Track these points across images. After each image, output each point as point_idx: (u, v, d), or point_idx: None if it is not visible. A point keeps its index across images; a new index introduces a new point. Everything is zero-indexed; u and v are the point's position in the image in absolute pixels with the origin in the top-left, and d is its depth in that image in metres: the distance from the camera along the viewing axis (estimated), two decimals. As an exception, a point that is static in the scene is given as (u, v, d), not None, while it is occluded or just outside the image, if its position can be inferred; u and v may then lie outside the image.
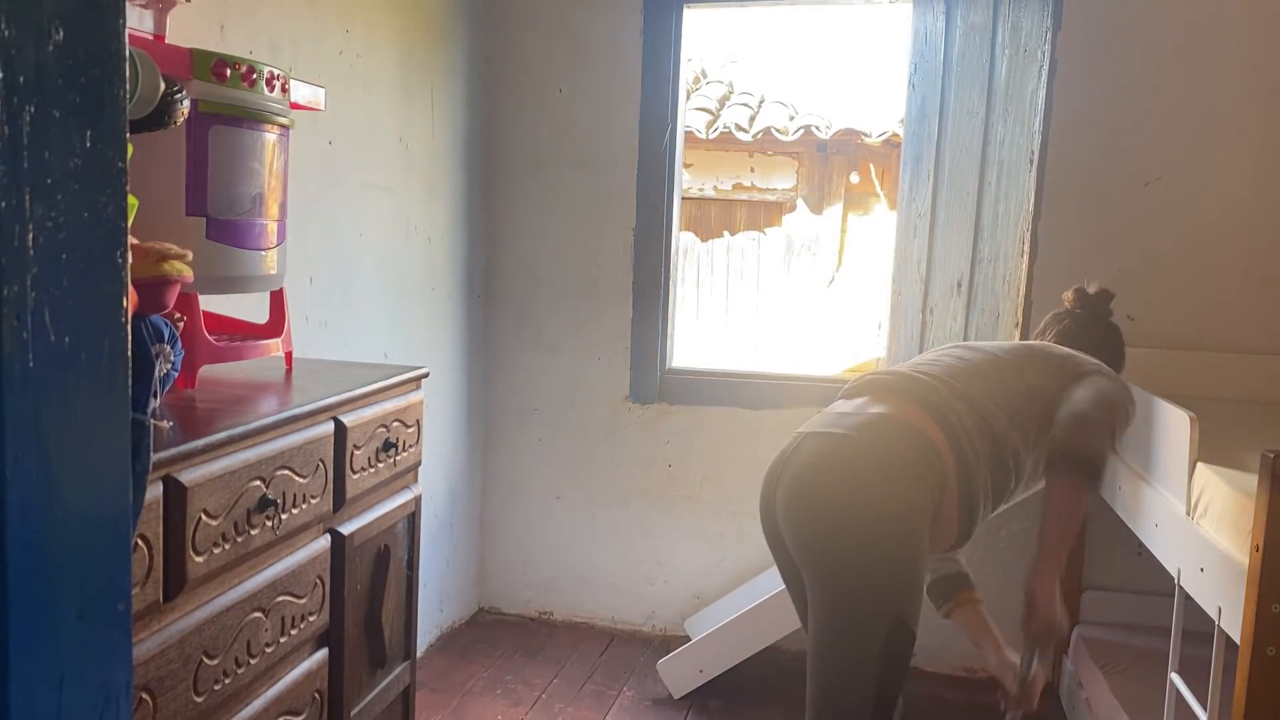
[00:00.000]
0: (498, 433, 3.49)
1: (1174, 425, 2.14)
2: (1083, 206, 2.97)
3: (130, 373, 0.69)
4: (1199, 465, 2.01)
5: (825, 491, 1.70)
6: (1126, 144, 2.93)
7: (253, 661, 1.47)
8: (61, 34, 0.60)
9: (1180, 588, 2.05)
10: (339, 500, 1.69)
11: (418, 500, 2.00)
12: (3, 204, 0.57)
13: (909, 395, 1.77)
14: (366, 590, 1.83)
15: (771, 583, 3.08)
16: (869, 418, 1.73)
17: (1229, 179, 2.90)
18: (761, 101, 6.37)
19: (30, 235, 0.59)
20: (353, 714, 1.78)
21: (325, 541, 1.67)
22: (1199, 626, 2.02)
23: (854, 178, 6.70)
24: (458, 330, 3.27)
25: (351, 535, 1.73)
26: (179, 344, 1.40)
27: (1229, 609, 1.76)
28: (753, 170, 6.79)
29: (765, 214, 6.94)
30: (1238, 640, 1.69)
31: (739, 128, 6.12)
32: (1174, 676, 2.10)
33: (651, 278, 3.31)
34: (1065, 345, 2.14)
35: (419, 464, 2.02)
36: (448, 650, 3.22)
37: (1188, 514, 2.03)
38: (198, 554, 1.32)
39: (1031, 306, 2.50)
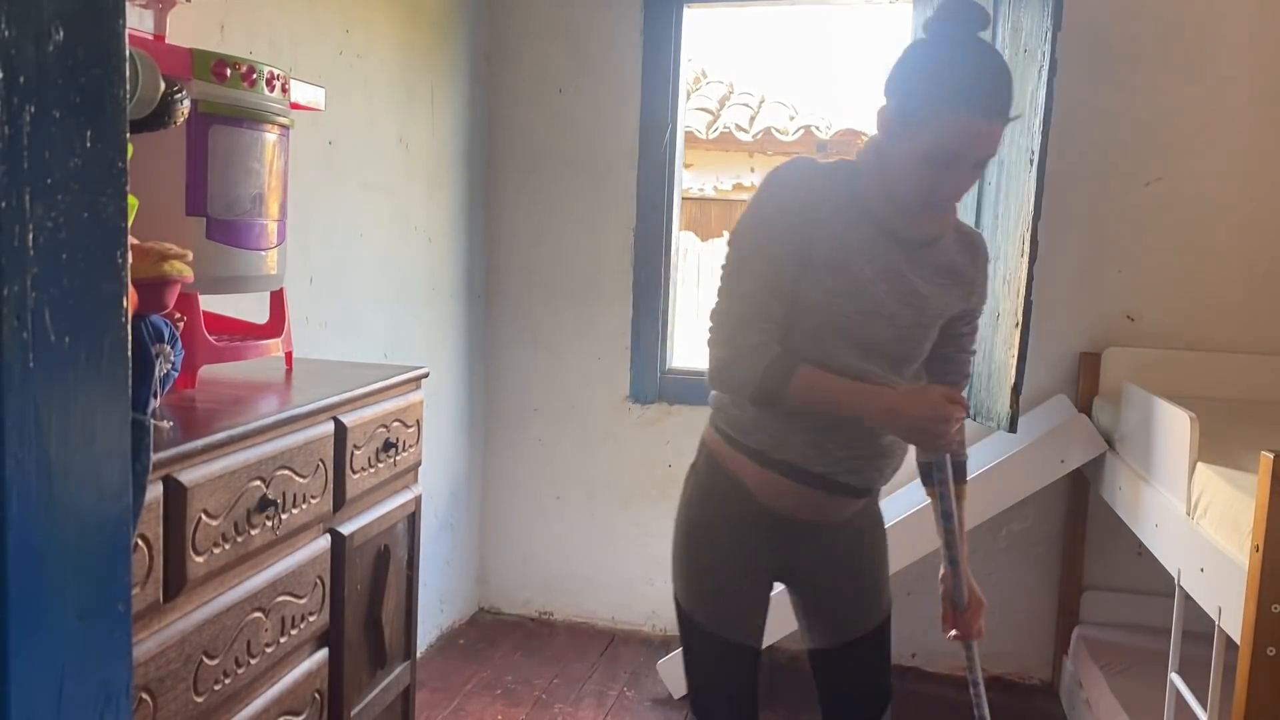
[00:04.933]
0: (498, 433, 3.49)
1: (1174, 425, 2.14)
2: (1083, 207, 2.97)
3: (130, 373, 0.69)
4: (1199, 465, 2.01)
5: None
6: (1126, 144, 2.93)
7: (253, 661, 1.47)
8: (62, 34, 0.60)
9: (1180, 588, 2.05)
10: (339, 500, 1.69)
11: (418, 500, 2.00)
12: (3, 204, 0.57)
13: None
14: (366, 590, 1.83)
15: (771, 583, 3.08)
16: None
17: (1229, 179, 2.90)
18: (761, 101, 6.37)
19: (30, 235, 0.59)
20: (353, 714, 1.78)
21: (325, 541, 1.67)
22: (1199, 627, 2.02)
23: (854, 178, 6.70)
24: (458, 330, 3.27)
25: (351, 535, 1.73)
26: (179, 344, 1.40)
27: (1229, 609, 1.76)
28: (753, 170, 6.79)
29: (765, 214, 6.93)
30: (1238, 640, 1.69)
31: (739, 128, 6.12)
32: (1174, 677, 2.10)
33: (651, 278, 3.31)
34: None
35: (419, 464, 2.02)
36: (447, 650, 3.22)
37: (1188, 514, 2.03)
38: (198, 554, 1.32)
39: (1032, 307, 2.50)
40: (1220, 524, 1.86)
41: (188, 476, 1.30)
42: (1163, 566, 2.19)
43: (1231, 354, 2.89)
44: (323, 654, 1.68)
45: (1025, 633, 3.14)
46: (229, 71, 1.57)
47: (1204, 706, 1.90)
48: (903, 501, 3.07)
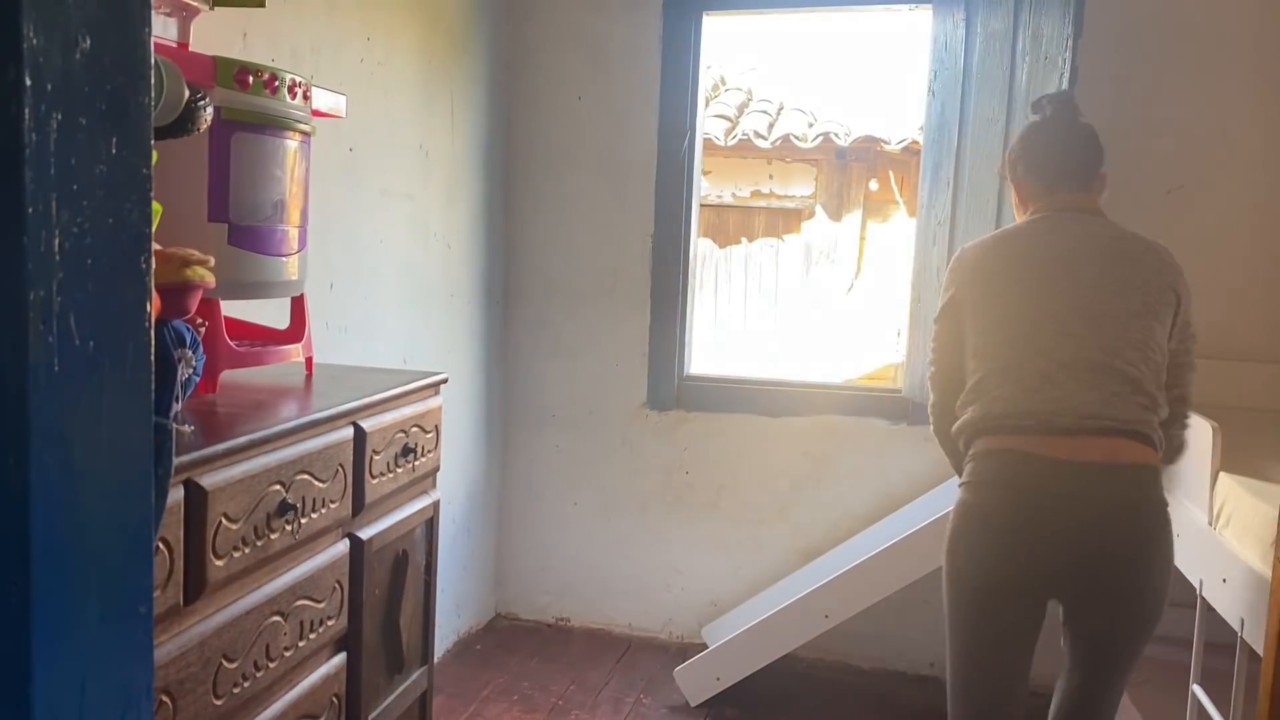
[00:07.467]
0: (515, 439, 3.50)
1: (1196, 435, 2.12)
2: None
3: (153, 377, 0.70)
4: (1221, 475, 1.99)
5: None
6: (1148, 152, 2.92)
7: (271, 665, 1.47)
8: (89, 42, 0.61)
9: (1202, 599, 2.03)
10: (358, 505, 1.70)
11: (436, 505, 2.01)
12: (30, 210, 0.58)
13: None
14: (385, 595, 1.83)
15: (789, 590, 3.07)
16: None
17: (1252, 187, 2.88)
18: (780, 108, 6.37)
19: (56, 241, 0.60)
20: (370, 719, 1.79)
21: (344, 546, 1.68)
22: (1221, 638, 2.00)
23: (873, 185, 6.69)
24: (476, 336, 3.28)
25: (370, 540, 1.74)
26: (200, 349, 1.41)
27: (1252, 620, 1.74)
28: (771, 177, 6.79)
29: (784, 221, 6.93)
30: (1260, 652, 1.67)
31: (758, 135, 6.12)
32: (1196, 688, 2.08)
33: (669, 284, 3.31)
34: (1038, 160, 2.01)
35: (437, 469, 2.03)
36: (465, 656, 3.22)
37: (1210, 524, 2.01)
38: (218, 558, 1.33)
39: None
40: (1243, 534, 1.85)
41: (208, 480, 1.30)
42: (1185, 577, 2.17)
43: (1255, 363, 2.86)
44: (341, 658, 1.69)
45: (1045, 643, 3.11)
46: (251, 79, 1.58)
47: (1226, 719, 1.88)
48: (923, 509, 3.05)
